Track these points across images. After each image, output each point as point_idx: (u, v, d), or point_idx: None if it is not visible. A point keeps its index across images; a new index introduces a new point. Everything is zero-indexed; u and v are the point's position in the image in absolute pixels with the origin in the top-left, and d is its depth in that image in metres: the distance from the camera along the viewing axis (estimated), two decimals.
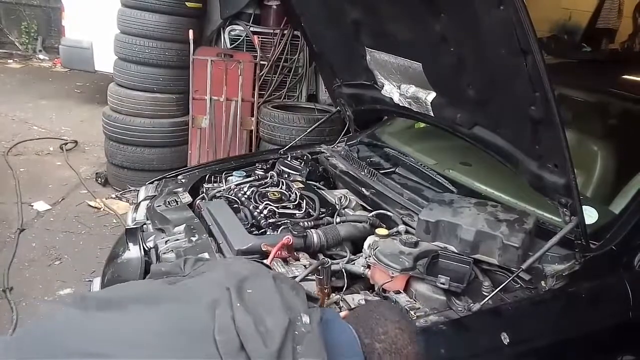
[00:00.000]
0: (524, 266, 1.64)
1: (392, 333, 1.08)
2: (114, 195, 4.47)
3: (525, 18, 1.39)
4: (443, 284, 1.60)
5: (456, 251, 1.79)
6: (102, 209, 4.23)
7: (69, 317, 1.04)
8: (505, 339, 1.52)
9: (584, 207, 1.67)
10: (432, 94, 2.13)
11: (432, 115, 2.19)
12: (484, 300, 1.57)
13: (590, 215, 1.84)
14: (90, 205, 4.28)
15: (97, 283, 2.14)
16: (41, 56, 9.65)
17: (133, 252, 2.02)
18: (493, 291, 1.61)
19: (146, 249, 2.01)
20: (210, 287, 1.09)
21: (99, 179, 4.70)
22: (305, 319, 1.01)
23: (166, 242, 2.00)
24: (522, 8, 1.38)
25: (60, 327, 1.00)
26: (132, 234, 2.08)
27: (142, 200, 2.41)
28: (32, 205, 4.17)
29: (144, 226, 2.17)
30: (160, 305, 1.06)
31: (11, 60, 9.26)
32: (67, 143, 5.49)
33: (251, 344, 0.93)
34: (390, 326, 1.09)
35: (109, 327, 1.00)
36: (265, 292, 1.06)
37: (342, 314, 1.37)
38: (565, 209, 1.69)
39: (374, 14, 2.18)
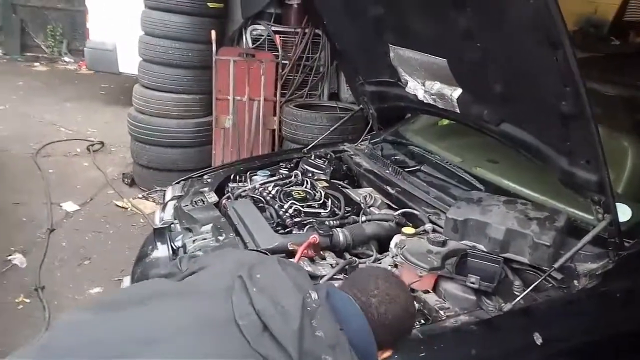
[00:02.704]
0: (556, 265, 1.62)
1: (382, 287, 1.17)
2: (140, 195, 4.54)
3: (556, 11, 1.36)
4: (473, 283, 1.59)
5: (485, 250, 1.76)
6: (129, 209, 4.29)
7: (87, 321, 1.07)
8: (537, 339, 1.49)
9: (617, 204, 1.63)
10: (458, 90, 2.10)
11: (458, 111, 2.17)
12: (516, 300, 1.55)
13: (624, 212, 1.79)
14: (118, 206, 4.35)
15: (127, 282, 2.18)
16: (66, 59, 9.84)
17: (161, 251, 2.04)
18: (524, 291, 1.59)
19: (174, 248, 2.03)
20: (221, 276, 1.14)
21: (126, 180, 4.77)
22: (314, 295, 1.08)
23: (194, 241, 2.02)
24: (552, 0, 1.36)
25: (80, 332, 1.03)
26: (160, 233, 2.11)
27: (169, 200, 2.44)
28: (61, 206, 4.25)
29: (172, 226, 2.19)
30: (176, 300, 1.10)
31: (37, 63, 9.45)
32: (93, 144, 5.58)
33: (274, 324, 0.99)
34: (380, 281, 1.18)
35: (128, 326, 1.02)
36: (274, 276, 1.13)
37: (336, 284, 1.47)
38: (598, 207, 1.66)
39: (396, 10, 2.16)
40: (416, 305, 1.58)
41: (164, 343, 0.97)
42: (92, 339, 0.99)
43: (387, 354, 1.19)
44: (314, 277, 1.70)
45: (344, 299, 1.15)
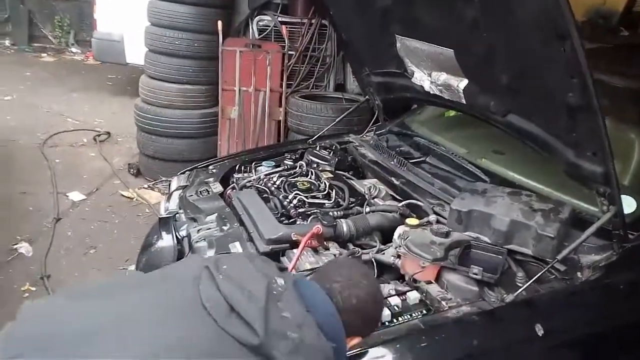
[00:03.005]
0: (559, 257, 1.61)
1: (345, 273, 1.24)
2: (146, 186, 4.56)
3: (564, 1, 1.35)
4: (476, 274, 1.59)
5: (489, 241, 1.76)
6: (134, 199, 4.32)
7: (58, 305, 1.12)
8: (539, 330, 1.49)
9: (622, 196, 1.62)
10: (465, 81, 2.09)
11: (465, 103, 2.15)
12: (518, 291, 1.55)
13: (629, 204, 1.78)
14: (124, 195, 4.37)
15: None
16: (74, 49, 9.87)
17: (166, 240, 2.05)
18: (527, 282, 1.58)
19: (179, 237, 2.05)
20: (189, 268, 1.18)
21: (132, 170, 4.79)
22: (280, 281, 1.14)
23: (198, 230, 2.03)
24: None
25: (46, 319, 1.06)
26: (165, 223, 2.12)
27: (174, 190, 2.45)
28: (68, 196, 4.28)
29: (177, 215, 2.20)
30: (146, 288, 1.15)
31: (45, 54, 9.49)
32: (100, 134, 5.61)
33: (239, 305, 1.03)
34: (343, 269, 1.27)
35: (100, 310, 1.06)
36: (240, 265, 1.18)
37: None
38: (603, 198, 1.65)
39: (404, 1, 2.15)
40: (418, 295, 1.59)
41: (130, 327, 1.01)
42: (58, 327, 1.01)
43: (355, 340, 1.23)
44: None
45: (311, 286, 1.20)
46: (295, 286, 1.15)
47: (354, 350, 1.32)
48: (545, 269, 1.62)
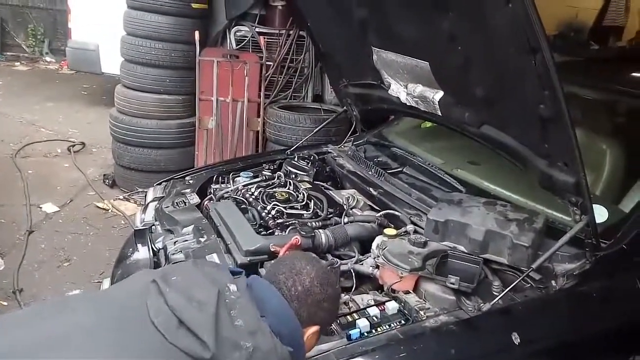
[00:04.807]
0: (534, 266, 1.63)
1: (289, 263, 1.26)
2: (121, 197, 4.50)
3: (534, 15, 1.38)
4: (453, 283, 1.60)
5: (465, 251, 1.78)
6: (110, 211, 4.25)
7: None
8: (516, 338, 1.50)
9: (594, 205, 1.66)
10: (440, 93, 2.12)
11: (440, 114, 2.18)
12: (494, 300, 1.56)
13: (601, 214, 1.82)
14: (99, 207, 4.30)
15: (106, 284, 2.16)
16: (48, 58, 9.73)
17: (142, 252, 2.03)
18: (503, 291, 1.60)
19: (155, 249, 2.02)
20: (137, 283, 1.16)
21: (107, 181, 4.72)
22: (233, 287, 1.12)
23: (175, 242, 2.00)
24: (530, 5, 1.38)
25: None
26: (141, 235, 2.09)
27: (150, 202, 2.42)
28: (41, 207, 4.20)
29: (153, 227, 2.17)
30: (94, 306, 1.11)
31: (18, 63, 9.33)
32: (74, 145, 5.52)
33: (188, 316, 1.01)
34: (287, 260, 1.30)
35: (45, 329, 1.03)
36: (188, 275, 1.16)
37: None
38: (575, 208, 1.68)
39: (381, 13, 2.17)
40: (397, 305, 1.60)
41: (76, 347, 0.98)
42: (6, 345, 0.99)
43: (312, 329, 1.21)
44: None
45: (263, 285, 1.21)
46: (249, 290, 1.15)
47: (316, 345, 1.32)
48: (521, 277, 1.64)
